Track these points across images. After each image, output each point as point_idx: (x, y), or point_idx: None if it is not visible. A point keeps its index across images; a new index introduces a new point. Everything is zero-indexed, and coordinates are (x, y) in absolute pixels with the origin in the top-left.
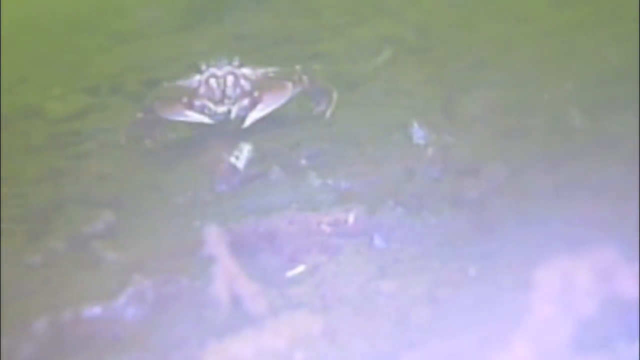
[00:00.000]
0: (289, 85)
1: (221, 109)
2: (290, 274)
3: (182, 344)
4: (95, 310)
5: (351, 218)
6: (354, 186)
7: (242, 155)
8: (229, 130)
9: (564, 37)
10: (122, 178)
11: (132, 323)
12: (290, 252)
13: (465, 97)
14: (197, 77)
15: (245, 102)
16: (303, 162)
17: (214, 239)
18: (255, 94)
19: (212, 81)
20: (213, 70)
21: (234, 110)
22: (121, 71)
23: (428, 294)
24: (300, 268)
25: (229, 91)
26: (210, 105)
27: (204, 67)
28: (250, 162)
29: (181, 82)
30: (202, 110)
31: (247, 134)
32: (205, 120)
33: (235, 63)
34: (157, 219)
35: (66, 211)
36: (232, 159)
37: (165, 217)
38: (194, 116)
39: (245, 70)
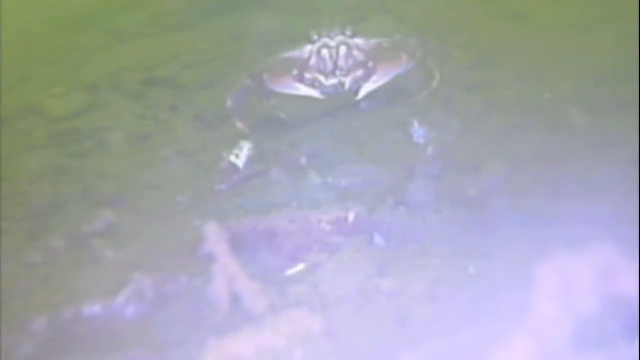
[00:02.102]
0: (404, 56)
1: (332, 82)
2: (290, 272)
3: (182, 342)
4: (96, 308)
5: (351, 217)
6: (354, 185)
7: (242, 154)
8: (339, 104)
9: (564, 36)
10: (122, 176)
11: (132, 321)
12: (290, 251)
13: (465, 96)
14: (309, 48)
15: (359, 73)
16: (303, 161)
17: (214, 237)
18: (370, 64)
19: (325, 52)
20: (325, 40)
21: (348, 82)
22: (121, 70)
23: (428, 292)
24: (300, 266)
25: (341, 62)
26: (321, 78)
27: (315, 37)
28: (250, 161)
29: (292, 53)
30: (312, 84)
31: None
32: (315, 94)
33: (348, 33)
34: (157, 217)
35: (66, 210)
36: (232, 158)
37: (166, 216)
38: (304, 90)
39: (358, 41)
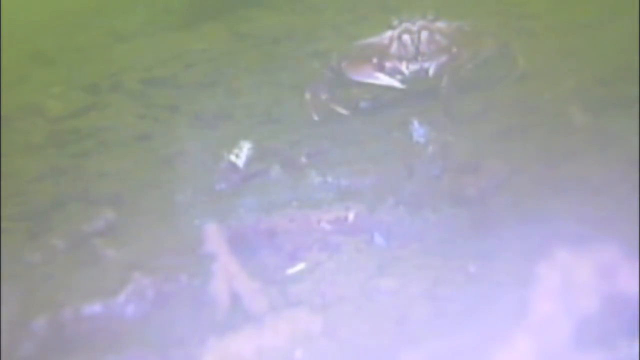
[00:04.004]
0: (488, 40)
1: (414, 68)
2: (290, 271)
3: (182, 342)
4: (96, 308)
5: (351, 216)
6: (354, 184)
7: (242, 153)
8: (420, 91)
9: (564, 35)
10: (122, 176)
11: (132, 321)
12: (291, 250)
13: (465, 95)
14: (389, 33)
15: (443, 59)
16: (303, 160)
17: (214, 236)
18: (454, 49)
19: (406, 37)
20: (406, 25)
21: (432, 68)
22: (121, 69)
23: (428, 292)
24: (301, 266)
25: (423, 47)
26: (402, 66)
27: (396, 22)
28: (250, 160)
29: (371, 40)
30: (393, 73)
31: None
32: (396, 84)
33: (430, 17)
34: (157, 217)
35: (66, 209)
36: (232, 157)
37: (166, 215)
38: (384, 79)
39: (440, 25)
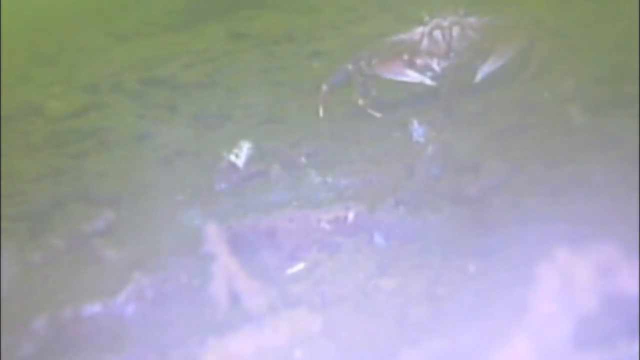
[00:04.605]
0: (521, 34)
1: (445, 64)
2: (290, 271)
3: (181, 342)
4: (95, 308)
5: (351, 216)
6: (353, 184)
7: (242, 153)
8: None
9: (564, 35)
10: (122, 176)
11: (132, 321)
12: (290, 250)
13: (464, 94)
14: (420, 29)
15: (475, 54)
16: (303, 160)
17: (214, 237)
18: (486, 44)
19: (437, 33)
20: (438, 20)
21: (463, 64)
22: (121, 70)
23: (428, 292)
24: (300, 266)
25: (454, 43)
26: (434, 63)
27: (426, 18)
28: (250, 160)
29: (402, 36)
30: (424, 70)
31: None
32: (427, 81)
33: (461, 12)
34: (157, 217)
35: (66, 209)
36: (232, 157)
37: (165, 215)
38: (415, 76)
39: (472, 20)
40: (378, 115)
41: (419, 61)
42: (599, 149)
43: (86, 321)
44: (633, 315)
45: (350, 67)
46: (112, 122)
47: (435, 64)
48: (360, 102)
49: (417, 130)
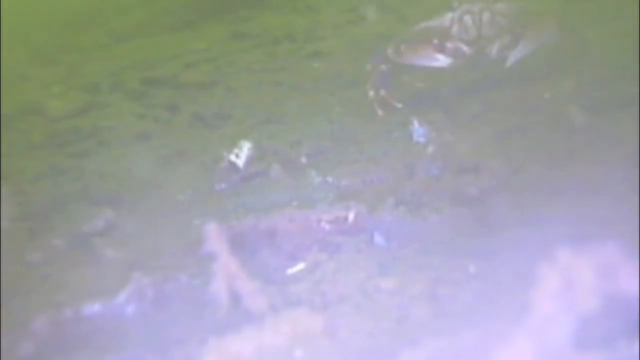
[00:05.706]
0: (552, 20)
1: (475, 50)
2: (290, 271)
3: (182, 342)
4: (96, 307)
5: (351, 216)
6: (354, 184)
7: (242, 153)
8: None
9: (564, 35)
10: (122, 176)
11: (132, 320)
12: (291, 250)
13: (465, 95)
14: (449, 15)
15: (506, 40)
16: (303, 160)
17: (214, 236)
18: (517, 30)
19: (467, 18)
20: (467, 6)
21: (494, 50)
22: (121, 69)
23: (428, 292)
24: (300, 266)
25: (484, 29)
26: (464, 47)
27: (456, 3)
28: (250, 160)
29: (430, 22)
30: (454, 54)
31: None
32: (456, 66)
33: None
34: (157, 217)
35: (66, 209)
36: (232, 157)
37: (166, 215)
38: (445, 60)
39: (501, 5)
40: (399, 105)
41: (449, 45)
42: (599, 149)
43: (86, 321)
44: (633, 316)
45: (383, 67)
46: (112, 121)
47: (465, 48)
48: (382, 92)
49: (418, 130)
